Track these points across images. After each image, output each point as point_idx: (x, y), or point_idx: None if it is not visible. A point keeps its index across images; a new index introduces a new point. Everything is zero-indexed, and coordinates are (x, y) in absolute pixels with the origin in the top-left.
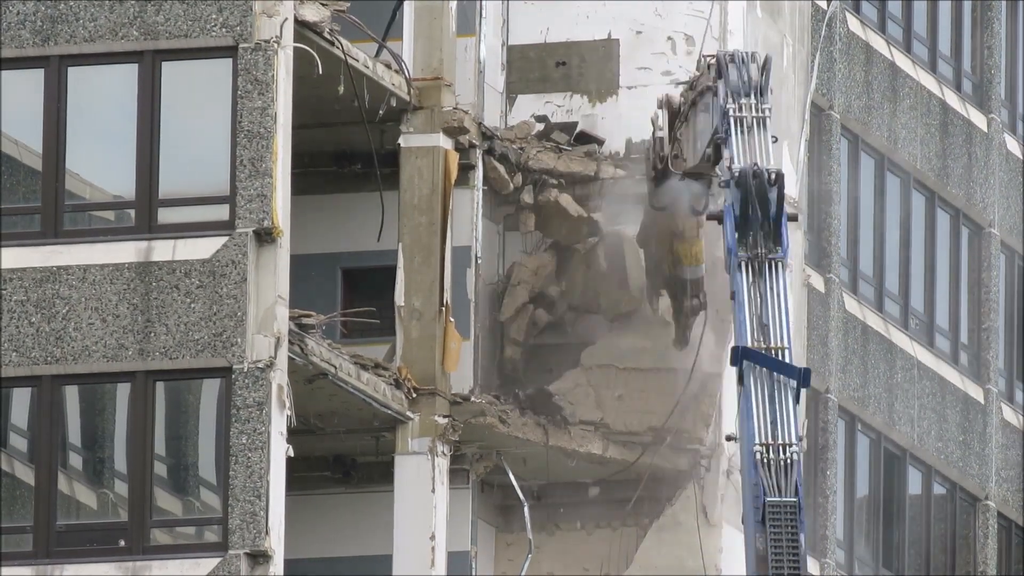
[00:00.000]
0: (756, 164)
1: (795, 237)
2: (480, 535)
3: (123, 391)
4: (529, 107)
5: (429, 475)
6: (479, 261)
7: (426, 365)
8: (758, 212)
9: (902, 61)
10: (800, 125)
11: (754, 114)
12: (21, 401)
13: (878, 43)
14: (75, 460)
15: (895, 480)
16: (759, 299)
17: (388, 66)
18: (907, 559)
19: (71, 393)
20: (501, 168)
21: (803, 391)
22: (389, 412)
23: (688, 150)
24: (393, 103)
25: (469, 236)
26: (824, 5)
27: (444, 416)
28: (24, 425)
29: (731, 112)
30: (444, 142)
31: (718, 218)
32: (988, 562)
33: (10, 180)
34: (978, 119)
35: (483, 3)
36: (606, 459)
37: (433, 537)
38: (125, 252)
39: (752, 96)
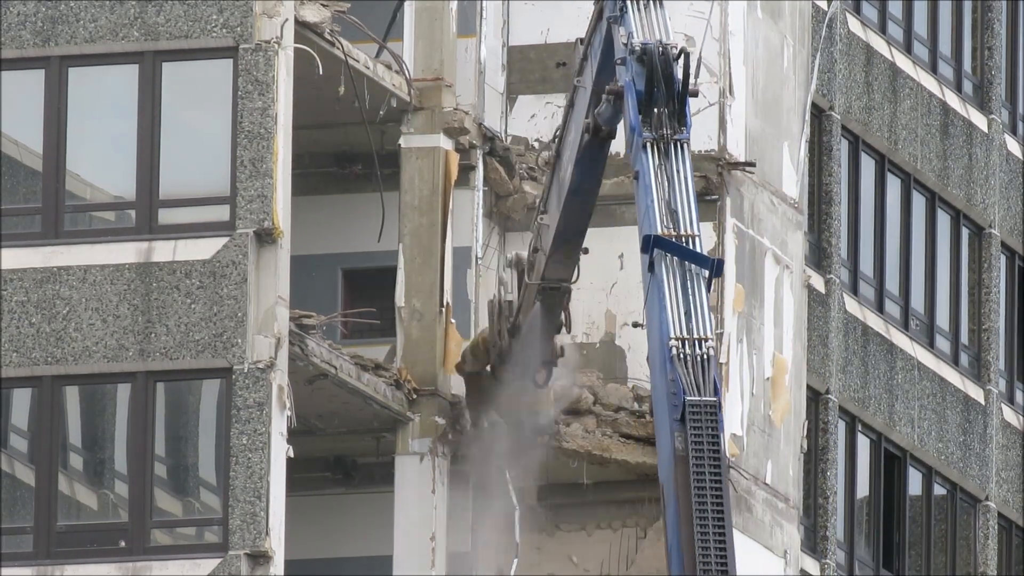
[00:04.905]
0: (660, 40)
1: (795, 238)
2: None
3: (123, 392)
4: (529, 108)
5: (429, 476)
6: (479, 261)
7: (426, 366)
8: (663, 89)
9: (902, 62)
10: (800, 126)
11: None
12: (21, 401)
13: (878, 44)
14: (75, 461)
15: (895, 481)
16: (666, 182)
17: (388, 67)
18: (907, 560)
19: (71, 393)
20: (501, 169)
21: (713, 282)
22: (389, 413)
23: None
24: (393, 104)
25: (469, 236)
26: (824, 6)
27: (444, 417)
28: (24, 425)
29: None
30: (444, 143)
31: (618, 93)
32: (988, 563)
33: (10, 181)
34: (979, 120)
35: (484, 4)
36: (607, 459)
37: (433, 538)
38: (126, 253)
39: None
